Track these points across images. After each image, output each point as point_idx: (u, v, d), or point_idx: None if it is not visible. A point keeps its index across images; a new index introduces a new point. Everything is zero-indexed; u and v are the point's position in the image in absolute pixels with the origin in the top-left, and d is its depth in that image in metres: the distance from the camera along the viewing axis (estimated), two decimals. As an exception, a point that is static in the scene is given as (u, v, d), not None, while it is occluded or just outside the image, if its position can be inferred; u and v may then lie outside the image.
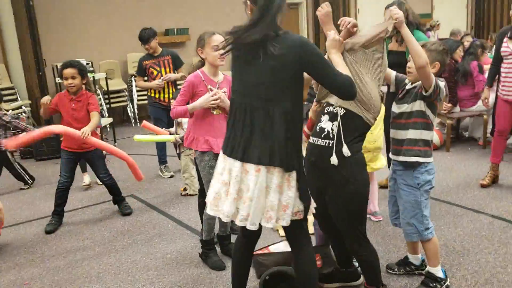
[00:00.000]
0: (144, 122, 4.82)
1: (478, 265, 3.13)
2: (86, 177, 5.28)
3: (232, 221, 3.24)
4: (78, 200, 4.86)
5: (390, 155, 2.90)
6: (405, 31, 2.53)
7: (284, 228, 2.36)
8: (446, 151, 5.87)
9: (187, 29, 9.51)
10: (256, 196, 2.19)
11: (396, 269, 3.09)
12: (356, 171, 2.51)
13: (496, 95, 4.51)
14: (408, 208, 2.78)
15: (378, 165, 3.73)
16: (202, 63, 3.26)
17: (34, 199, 5.09)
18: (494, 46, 4.56)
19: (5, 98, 7.78)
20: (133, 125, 8.93)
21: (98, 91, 7.77)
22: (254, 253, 3.13)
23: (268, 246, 3.45)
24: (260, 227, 2.33)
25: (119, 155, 4.20)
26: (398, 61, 3.69)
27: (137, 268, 3.39)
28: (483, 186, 4.55)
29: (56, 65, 7.69)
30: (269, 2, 2.19)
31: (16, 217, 4.54)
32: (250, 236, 2.50)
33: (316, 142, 2.54)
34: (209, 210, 2.39)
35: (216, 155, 2.94)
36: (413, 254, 3.06)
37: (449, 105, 5.77)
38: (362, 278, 2.93)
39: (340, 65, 2.36)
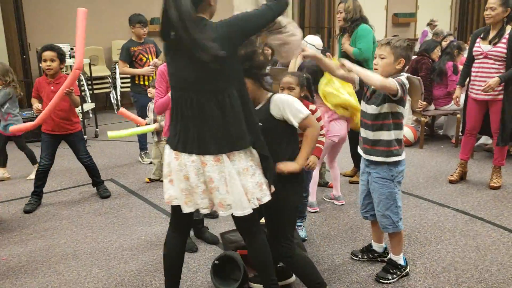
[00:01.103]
0: (122, 109, 4.59)
1: (438, 254, 3.30)
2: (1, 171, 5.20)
3: None
4: (57, 183, 4.93)
5: (362, 153, 2.94)
6: (355, 69, 2.74)
7: (237, 218, 2.36)
8: (419, 148, 6.05)
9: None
10: (229, 182, 2.24)
11: (359, 256, 3.24)
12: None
13: (466, 93, 4.67)
14: (383, 201, 2.87)
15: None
16: None
17: (14, 179, 5.16)
18: (468, 46, 4.72)
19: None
20: (115, 112, 8.97)
21: (82, 77, 7.80)
22: (223, 232, 3.27)
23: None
24: (191, 218, 2.46)
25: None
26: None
27: (112, 247, 3.50)
28: (451, 182, 4.73)
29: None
30: None
31: (-5, 196, 4.62)
32: (181, 229, 2.54)
33: None
34: (186, 209, 2.35)
35: None
36: (377, 243, 3.20)
37: (424, 103, 5.94)
38: (294, 277, 2.94)
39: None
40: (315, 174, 3.92)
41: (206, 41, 2.06)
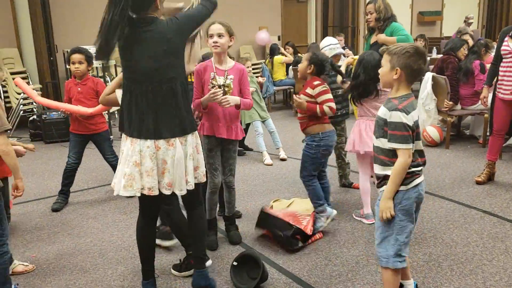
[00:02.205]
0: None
1: (465, 256, 3.24)
2: None
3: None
4: (84, 182, 5.02)
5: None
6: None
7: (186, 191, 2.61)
8: (445, 148, 5.96)
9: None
10: (176, 166, 2.49)
11: None
12: None
13: (494, 94, 4.59)
14: (381, 228, 2.47)
15: None
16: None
17: (43, 179, 5.27)
18: (496, 45, 4.63)
19: (17, 81, 7.98)
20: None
21: (108, 78, 7.92)
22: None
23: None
24: (159, 202, 2.71)
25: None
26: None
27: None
28: (478, 182, 4.65)
29: (67, 51, 7.85)
30: None
31: (25, 195, 4.70)
32: (151, 215, 2.76)
33: None
34: (122, 192, 2.50)
35: (217, 139, 3.26)
36: (405, 280, 2.64)
37: (450, 103, 5.85)
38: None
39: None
40: (364, 184, 3.83)
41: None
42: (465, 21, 11.65)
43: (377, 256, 2.52)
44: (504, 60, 4.39)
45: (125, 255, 3.42)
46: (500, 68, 4.42)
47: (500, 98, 4.49)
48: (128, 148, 2.50)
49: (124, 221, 4.02)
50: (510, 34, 4.36)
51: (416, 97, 6.48)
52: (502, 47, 4.40)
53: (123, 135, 2.57)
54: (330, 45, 4.28)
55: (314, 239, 3.52)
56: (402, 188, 2.40)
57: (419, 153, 2.46)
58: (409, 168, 2.38)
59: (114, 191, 2.57)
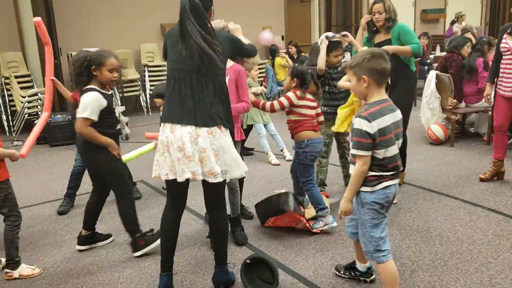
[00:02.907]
0: (146, 134, 4.77)
1: (470, 254, 3.24)
2: None
3: (242, 206, 3.84)
4: (89, 184, 5.01)
5: None
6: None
7: (210, 189, 2.79)
8: (450, 146, 5.96)
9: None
10: (222, 154, 2.63)
11: (342, 272, 3.03)
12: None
13: (495, 90, 4.57)
14: (359, 224, 2.62)
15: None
16: None
17: (48, 182, 5.30)
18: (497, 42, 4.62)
19: (21, 85, 8.04)
20: (145, 114, 9.12)
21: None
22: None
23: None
24: (186, 194, 2.85)
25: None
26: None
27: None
28: (482, 180, 4.64)
29: (71, 54, 7.89)
30: None
31: (31, 199, 4.75)
32: (178, 206, 2.88)
33: None
34: (181, 177, 2.62)
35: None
36: (360, 262, 2.94)
37: (454, 100, 5.85)
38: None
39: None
40: None
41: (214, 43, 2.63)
42: (457, 18, 11.58)
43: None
44: (504, 57, 4.38)
45: (132, 257, 3.44)
46: (500, 65, 4.41)
47: (500, 94, 4.48)
48: (170, 135, 2.63)
49: (130, 223, 4.03)
50: (508, 31, 4.34)
51: (420, 95, 6.49)
52: (501, 45, 4.39)
53: (162, 124, 2.71)
54: (322, 39, 4.27)
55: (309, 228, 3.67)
56: (368, 189, 2.50)
57: (391, 158, 2.47)
58: (377, 172, 2.46)
59: (178, 178, 2.65)
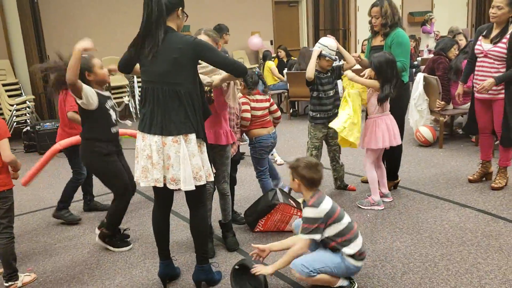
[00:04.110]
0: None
1: (460, 256, 3.27)
2: None
3: (234, 212, 3.90)
4: (79, 192, 5.00)
5: None
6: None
7: (188, 192, 2.84)
8: (439, 148, 6.00)
9: (188, 26, 9.65)
10: (182, 162, 2.67)
11: None
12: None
13: (473, 92, 4.60)
14: (321, 260, 2.86)
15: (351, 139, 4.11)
16: None
17: (38, 190, 5.27)
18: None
19: (9, 93, 7.99)
20: (135, 120, 9.09)
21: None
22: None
23: None
24: (172, 194, 2.95)
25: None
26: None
27: (135, 256, 3.55)
28: (470, 181, 4.69)
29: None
30: None
31: (20, 207, 4.72)
32: (164, 206, 3.02)
33: None
34: (141, 184, 2.80)
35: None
36: None
37: (442, 102, 5.89)
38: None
39: None
40: (371, 174, 4.17)
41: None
42: (426, 20, 11.67)
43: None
44: (477, 59, 4.39)
45: (123, 265, 3.42)
46: (476, 68, 4.42)
47: (476, 98, 4.49)
48: (141, 143, 2.77)
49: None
50: (484, 34, 4.36)
51: (409, 97, 6.52)
52: (476, 46, 4.40)
53: (138, 133, 2.82)
54: (327, 47, 4.24)
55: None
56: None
57: (338, 234, 2.79)
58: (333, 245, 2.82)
59: (138, 183, 2.85)
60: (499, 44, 4.20)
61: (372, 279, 3.03)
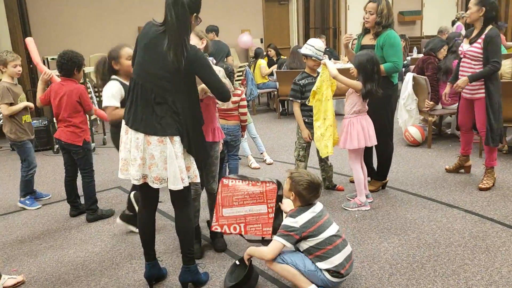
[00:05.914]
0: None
1: (447, 257, 3.28)
2: None
3: None
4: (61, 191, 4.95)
5: None
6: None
7: (173, 192, 2.84)
8: (427, 148, 6.02)
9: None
10: (169, 163, 2.67)
11: None
12: None
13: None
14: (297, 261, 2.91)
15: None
16: None
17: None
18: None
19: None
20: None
21: (89, 84, 7.85)
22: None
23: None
24: (157, 194, 2.94)
25: None
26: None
27: (121, 256, 3.52)
28: (447, 171, 5.00)
29: (47, 58, 7.78)
30: None
31: (5, 206, 4.66)
32: (150, 206, 3.00)
33: None
34: (120, 175, 2.82)
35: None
36: None
37: (431, 102, 5.91)
38: None
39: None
40: (358, 175, 4.17)
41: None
42: (457, 18, 11.64)
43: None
44: (462, 60, 4.53)
45: (109, 266, 3.39)
46: (460, 68, 4.56)
47: (462, 96, 4.67)
48: (125, 136, 2.76)
49: (107, 231, 3.98)
50: (467, 35, 4.49)
51: (398, 97, 6.53)
52: (459, 48, 4.59)
53: (123, 124, 2.80)
54: (314, 47, 4.25)
55: None
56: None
57: (314, 247, 2.81)
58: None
59: (119, 175, 2.84)
60: (475, 44, 4.33)
61: (359, 280, 3.03)
